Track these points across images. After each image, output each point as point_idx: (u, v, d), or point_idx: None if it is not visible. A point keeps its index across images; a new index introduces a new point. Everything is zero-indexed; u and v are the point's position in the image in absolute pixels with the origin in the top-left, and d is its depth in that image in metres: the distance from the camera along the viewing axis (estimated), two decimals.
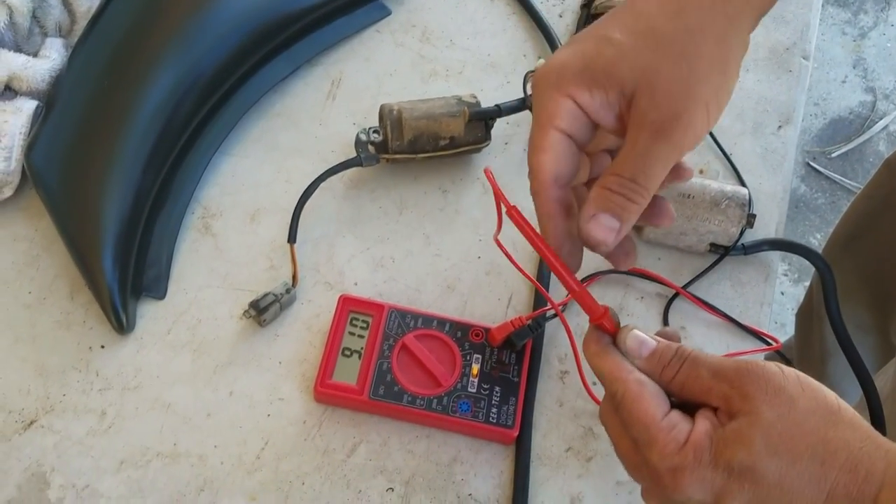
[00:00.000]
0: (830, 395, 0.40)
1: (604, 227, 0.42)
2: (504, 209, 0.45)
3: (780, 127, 0.70)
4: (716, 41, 0.41)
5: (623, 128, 0.42)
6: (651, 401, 0.41)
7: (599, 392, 0.57)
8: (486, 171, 0.47)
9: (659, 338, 0.44)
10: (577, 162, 0.43)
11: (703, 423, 0.40)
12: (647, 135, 0.40)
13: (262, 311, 0.57)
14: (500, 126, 0.66)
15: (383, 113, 0.63)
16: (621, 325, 0.45)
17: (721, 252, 0.62)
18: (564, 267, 0.44)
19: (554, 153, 0.42)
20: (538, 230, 0.44)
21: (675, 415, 0.41)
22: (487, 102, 0.65)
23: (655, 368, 0.43)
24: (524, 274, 0.57)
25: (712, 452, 0.39)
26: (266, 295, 0.58)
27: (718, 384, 0.41)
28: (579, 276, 0.46)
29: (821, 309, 0.98)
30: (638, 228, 0.62)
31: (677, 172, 0.45)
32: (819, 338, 1.00)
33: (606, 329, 0.44)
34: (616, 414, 0.42)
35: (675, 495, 0.40)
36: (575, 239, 0.43)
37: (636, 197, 0.41)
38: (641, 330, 0.44)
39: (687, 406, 0.42)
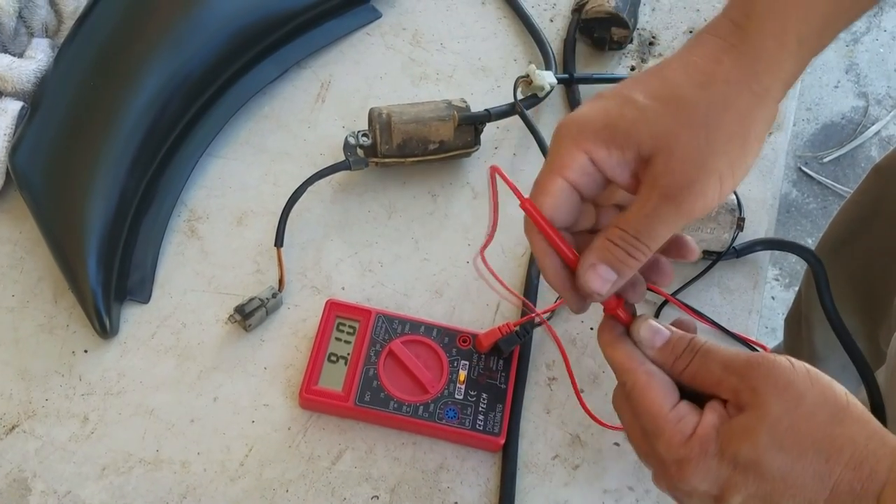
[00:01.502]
0: (840, 390, 0.41)
1: (601, 278, 0.43)
2: (518, 202, 0.45)
3: (770, 134, 0.70)
4: (739, 116, 0.42)
5: (636, 186, 0.43)
6: (659, 392, 0.42)
7: (589, 398, 0.57)
8: (493, 168, 0.46)
9: (673, 328, 0.45)
10: (577, 211, 0.45)
11: (711, 415, 0.41)
12: (657, 197, 0.41)
13: (248, 315, 0.57)
14: (489, 130, 0.66)
15: (372, 116, 0.63)
16: (637, 314, 0.46)
17: (714, 258, 0.62)
18: (577, 258, 0.44)
19: (553, 199, 0.44)
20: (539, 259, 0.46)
21: (684, 406, 0.42)
22: (477, 106, 0.65)
23: (667, 359, 0.44)
24: (507, 289, 0.54)
25: (718, 445, 0.40)
26: (252, 299, 0.57)
27: (728, 377, 0.41)
28: None
29: (810, 314, 0.98)
30: None
31: (683, 251, 0.48)
32: (808, 343, 1.00)
33: (621, 319, 0.45)
34: (627, 402, 0.44)
35: (681, 485, 0.41)
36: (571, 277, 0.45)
37: (636, 253, 0.43)
38: (656, 320, 0.45)
39: (698, 396, 0.43)
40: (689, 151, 0.41)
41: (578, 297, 0.45)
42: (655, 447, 0.42)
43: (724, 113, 0.41)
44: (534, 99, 0.66)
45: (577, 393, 0.57)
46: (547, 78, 0.64)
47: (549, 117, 0.69)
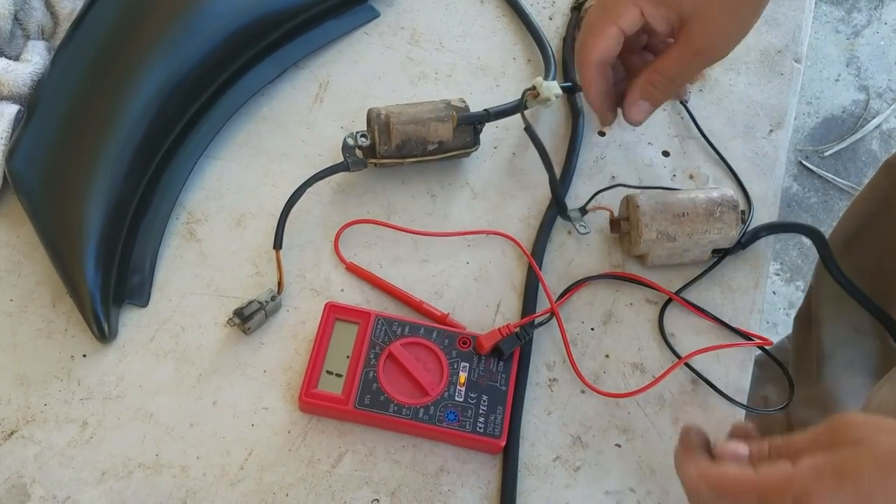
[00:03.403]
0: None
1: (642, 111, 0.59)
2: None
3: (771, 131, 0.70)
4: None
5: (669, 33, 0.56)
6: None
7: (591, 398, 0.57)
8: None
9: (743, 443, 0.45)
10: (616, 52, 0.58)
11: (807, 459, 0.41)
12: (691, 52, 0.56)
13: (247, 318, 0.56)
14: (489, 130, 0.66)
15: (371, 117, 0.62)
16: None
17: (721, 254, 0.62)
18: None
19: (606, 42, 0.57)
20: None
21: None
22: (476, 105, 0.64)
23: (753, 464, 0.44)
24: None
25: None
26: (251, 302, 0.57)
27: (818, 437, 0.42)
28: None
29: (818, 310, 0.97)
30: (641, 257, 0.62)
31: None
32: (816, 341, 1.00)
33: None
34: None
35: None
36: (610, 97, 0.60)
37: (669, 92, 0.58)
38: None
39: None
40: (718, 19, 0.54)
41: (611, 115, 0.61)
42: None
43: None
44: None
45: (580, 375, 0.57)
46: (553, 89, 0.63)
47: (547, 116, 0.69)
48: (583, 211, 0.63)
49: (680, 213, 0.59)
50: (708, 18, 0.54)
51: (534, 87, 0.63)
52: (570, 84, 0.66)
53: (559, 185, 0.63)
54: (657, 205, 0.60)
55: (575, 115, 0.68)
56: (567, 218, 0.62)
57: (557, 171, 0.66)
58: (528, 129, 0.62)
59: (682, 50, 0.56)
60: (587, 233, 0.62)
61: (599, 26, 0.57)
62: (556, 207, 0.63)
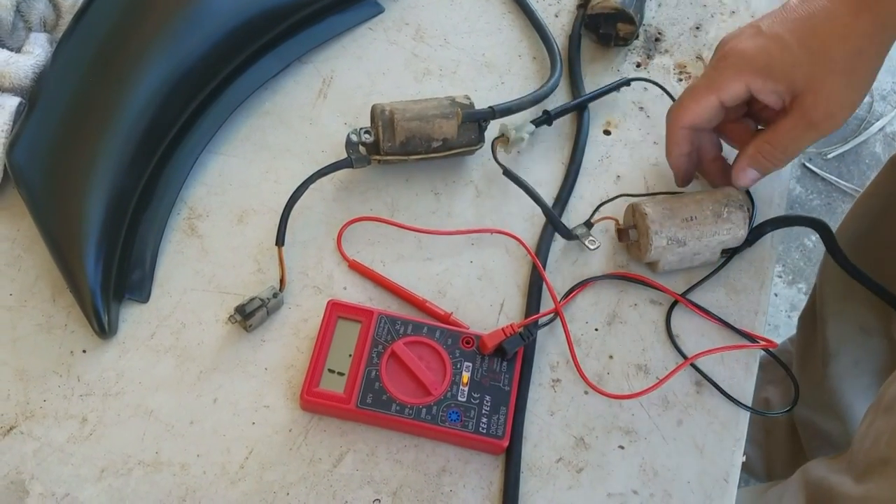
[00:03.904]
0: None
1: (750, 178, 0.60)
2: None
3: None
4: (868, 63, 0.55)
5: (780, 106, 0.57)
6: None
7: (594, 399, 0.56)
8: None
9: None
10: (712, 121, 0.60)
11: None
12: (804, 125, 0.56)
13: (249, 316, 0.56)
14: (493, 128, 0.65)
15: (375, 113, 0.62)
16: None
17: (730, 253, 0.62)
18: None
19: (702, 110, 0.59)
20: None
21: None
22: (481, 103, 0.64)
23: None
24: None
25: None
26: (252, 299, 0.57)
27: None
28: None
29: (823, 309, 0.97)
30: (652, 264, 0.61)
31: None
32: (822, 339, 0.99)
33: None
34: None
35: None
36: (692, 160, 0.62)
37: (778, 163, 0.59)
38: None
39: None
40: (833, 92, 0.54)
41: (687, 179, 0.64)
42: None
43: (858, 61, 0.54)
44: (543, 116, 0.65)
45: (584, 376, 0.56)
46: (524, 129, 0.63)
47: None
48: (588, 225, 0.62)
49: (688, 218, 0.59)
50: (822, 92, 0.54)
51: (503, 135, 0.63)
52: (544, 115, 0.65)
53: (555, 213, 0.62)
54: (665, 210, 0.59)
55: (580, 112, 0.68)
56: (574, 237, 0.61)
57: (561, 171, 0.66)
58: (507, 173, 0.61)
59: (796, 123, 0.56)
60: (598, 247, 0.62)
61: (700, 93, 0.58)
62: (559, 233, 0.62)
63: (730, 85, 0.57)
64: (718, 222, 0.59)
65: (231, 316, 0.56)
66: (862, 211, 0.91)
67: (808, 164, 1.70)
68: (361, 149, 0.61)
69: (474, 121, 0.62)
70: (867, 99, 1.78)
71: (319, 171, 0.61)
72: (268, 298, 0.57)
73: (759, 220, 0.64)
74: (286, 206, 0.59)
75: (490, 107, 0.63)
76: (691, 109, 0.59)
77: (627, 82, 0.69)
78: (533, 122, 0.65)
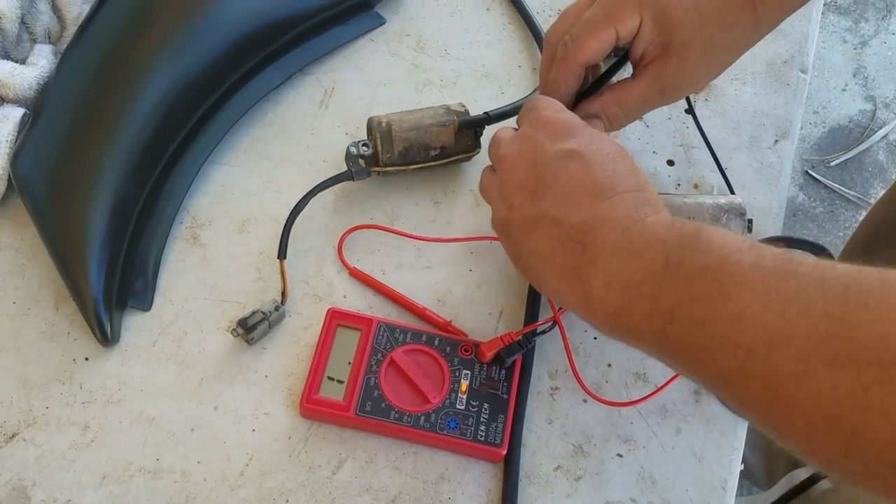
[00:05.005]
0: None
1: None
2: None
3: (776, 141, 0.70)
4: (738, 52, 0.55)
5: (638, 59, 0.54)
6: None
7: (593, 407, 0.56)
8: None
9: None
10: (603, 57, 0.55)
11: None
12: (656, 92, 0.54)
13: (251, 329, 0.56)
14: (489, 134, 0.65)
15: (372, 126, 0.62)
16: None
17: None
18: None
19: (600, 44, 0.53)
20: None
21: None
22: (481, 112, 0.64)
23: None
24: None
25: None
26: (255, 312, 0.57)
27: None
28: None
29: None
30: None
31: None
32: None
33: None
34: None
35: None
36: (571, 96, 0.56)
37: (619, 125, 0.57)
38: None
39: None
40: (697, 67, 0.53)
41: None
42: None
43: (727, 50, 0.54)
44: None
45: (583, 386, 0.57)
46: None
47: None
48: None
49: (688, 218, 0.59)
50: (688, 63, 0.52)
51: None
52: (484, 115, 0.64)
53: None
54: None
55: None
56: None
57: None
58: None
59: (649, 88, 0.54)
60: None
61: (598, 25, 0.52)
62: None
63: (629, 17, 0.52)
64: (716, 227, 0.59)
65: (233, 329, 0.56)
66: (880, 215, 0.90)
67: (811, 172, 1.70)
68: (361, 161, 0.62)
69: (470, 127, 0.63)
70: (870, 107, 1.78)
71: (320, 184, 0.61)
72: (270, 312, 0.57)
73: (757, 232, 0.64)
74: (288, 219, 0.60)
75: (485, 112, 0.63)
76: (591, 46, 0.53)
77: None
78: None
